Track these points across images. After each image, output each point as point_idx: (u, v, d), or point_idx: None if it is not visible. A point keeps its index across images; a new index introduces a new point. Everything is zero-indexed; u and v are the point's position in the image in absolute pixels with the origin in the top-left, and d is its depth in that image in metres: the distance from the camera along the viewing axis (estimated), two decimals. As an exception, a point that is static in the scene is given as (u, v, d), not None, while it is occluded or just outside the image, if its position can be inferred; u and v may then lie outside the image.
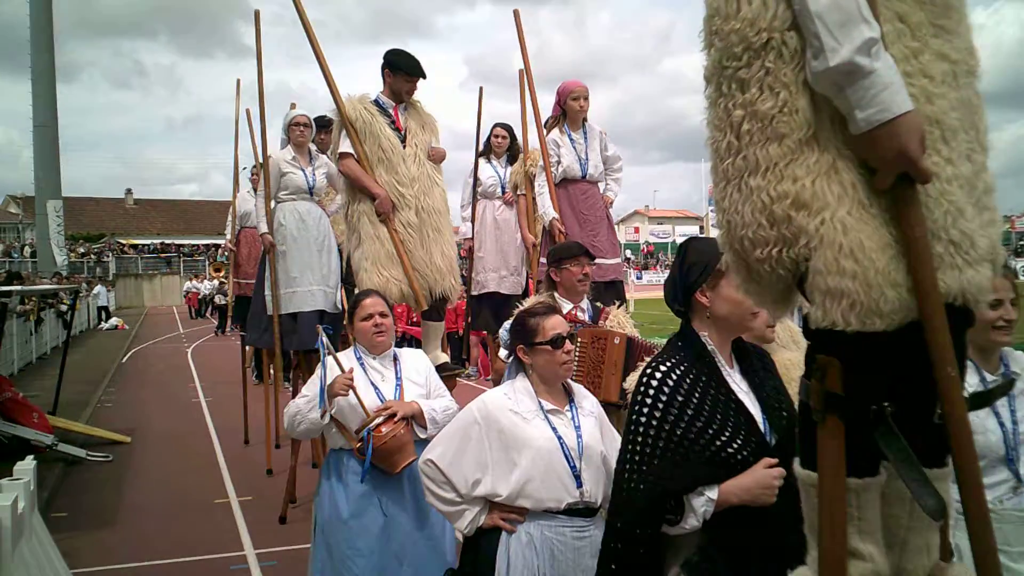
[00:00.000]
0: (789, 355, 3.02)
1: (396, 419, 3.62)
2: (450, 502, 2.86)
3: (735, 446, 2.18)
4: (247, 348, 9.90)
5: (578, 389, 3.05)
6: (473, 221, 7.24)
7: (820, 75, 1.51)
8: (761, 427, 2.24)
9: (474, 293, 7.21)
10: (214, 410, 11.85)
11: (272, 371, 7.50)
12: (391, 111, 5.39)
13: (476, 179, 7.24)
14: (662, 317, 24.70)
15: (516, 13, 6.16)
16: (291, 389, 9.52)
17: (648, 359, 2.56)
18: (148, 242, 54.95)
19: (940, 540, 1.74)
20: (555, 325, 2.92)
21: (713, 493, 2.18)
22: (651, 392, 2.25)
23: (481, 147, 7.41)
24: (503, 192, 7.17)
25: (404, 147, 5.34)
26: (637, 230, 71.99)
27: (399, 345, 4.18)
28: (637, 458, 2.24)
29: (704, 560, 2.19)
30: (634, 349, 3.95)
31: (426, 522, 3.66)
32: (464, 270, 7.03)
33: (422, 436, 3.64)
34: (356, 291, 4.80)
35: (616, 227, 6.53)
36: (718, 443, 2.18)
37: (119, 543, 5.98)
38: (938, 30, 1.59)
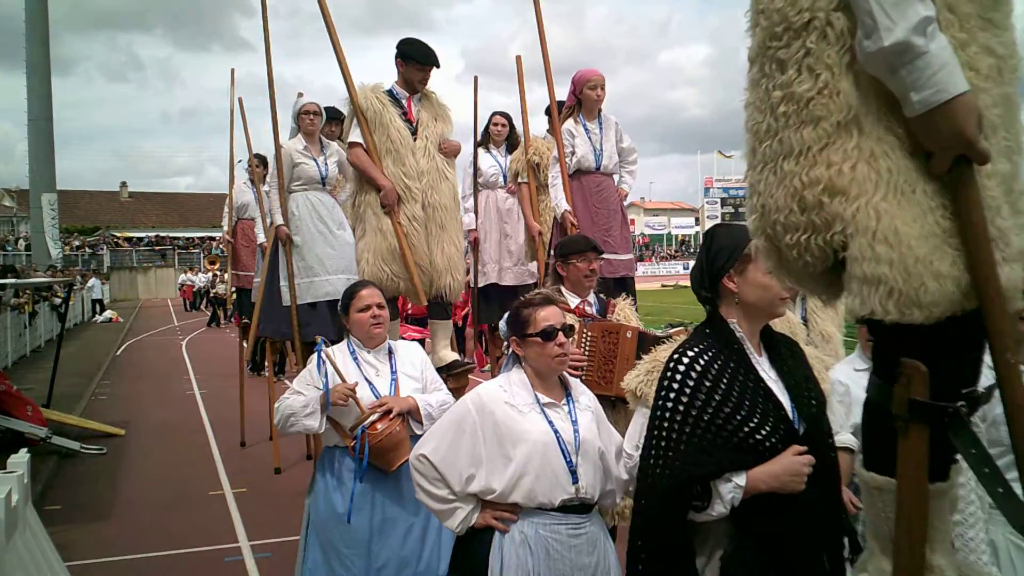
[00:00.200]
0: None
1: (391, 416, 3.53)
2: (442, 499, 2.76)
3: (763, 433, 2.16)
4: (245, 341, 9.91)
5: (575, 383, 2.98)
6: (476, 212, 7.07)
7: (873, 56, 1.46)
8: (790, 415, 2.21)
9: (480, 285, 7.05)
10: (208, 402, 11.85)
11: (267, 364, 7.54)
12: (404, 102, 5.31)
13: (476, 169, 7.09)
14: (656, 308, 24.77)
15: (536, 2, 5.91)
16: (286, 383, 9.57)
17: (663, 348, 2.55)
18: (143, 235, 54.84)
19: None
20: (547, 316, 2.83)
21: (741, 479, 2.16)
22: (678, 378, 2.23)
23: (479, 137, 7.25)
24: (505, 181, 7.02)
25: (415, 139, 5.24)
26: (633, 222, 71.21)
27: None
28: (663, 444, 2.22)
29: (739, 549, 2.16)
30: (645, 342, 3.84)
31: (423, 521, 3.57)
32: (468, 261, 6.89)
33: (418, 432, 3.51)
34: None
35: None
36: (746, 429, 2.15)
37: (113, 536, 5.99)
38: (986, 23, 1.54)
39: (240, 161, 9.47)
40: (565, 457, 2.70)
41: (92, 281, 32.84)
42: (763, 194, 1.64)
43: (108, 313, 30.87)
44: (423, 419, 3.58)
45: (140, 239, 53.39)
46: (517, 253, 6.88)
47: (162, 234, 55.50)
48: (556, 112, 5.79)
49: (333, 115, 6.75)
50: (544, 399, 2.80)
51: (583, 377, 3.67)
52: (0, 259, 38.06)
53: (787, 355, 2.36)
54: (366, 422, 3.51)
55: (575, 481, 2.70)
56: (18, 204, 52.25)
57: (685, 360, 2.24)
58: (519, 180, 6.73)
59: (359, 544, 3.49)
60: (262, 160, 8.73)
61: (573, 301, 4.02)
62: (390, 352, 3.82)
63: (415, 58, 5.27)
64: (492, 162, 7.05)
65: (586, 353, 3.85)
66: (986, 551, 2.81)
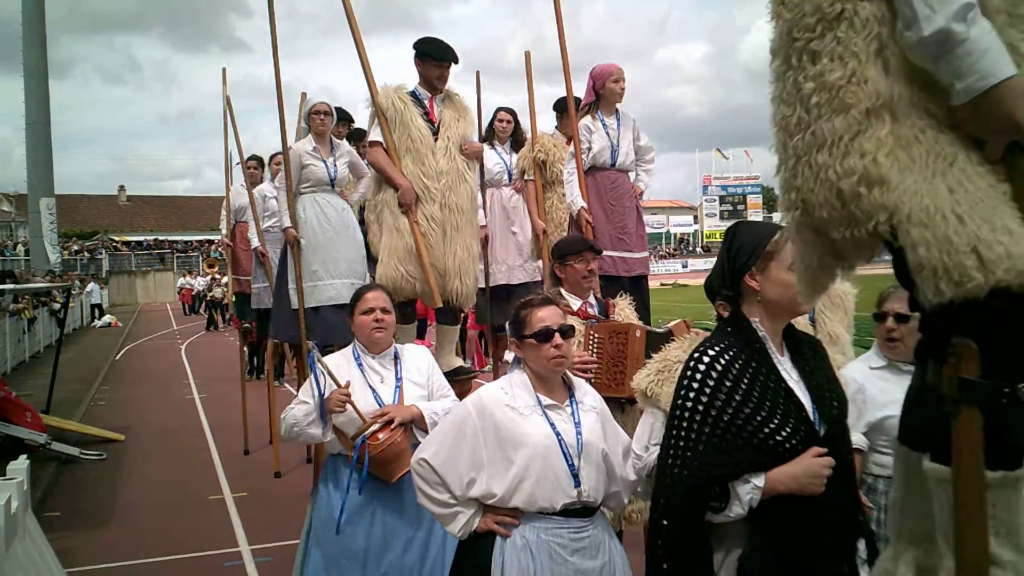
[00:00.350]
0: None
1: (393, 426, 3.44)
2: (443, 504, 2.72)
3: (784, 434, 2.13)
4: (245, 346, 9.89)
5: (579, 384, 2.92)
6: (484, 210, 6.79)
7: (914, 46, 1.44)
8: (811, 416, 2.19)
9: (491, 285, 6.83)
10: (208, 407, 11.85)
11: (267, 368, 7.49)
12: (426, 102, 5.24)
13: (481, 167, 6.72)
14: (655, 307, 24.63)
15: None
16: (285, 387, 9.57)
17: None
18: (141, 239, 54.84)
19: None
20: (544, 317, 2.77)
21: (760, 480, 2.13)
22: (698, 376, 2.19)
23: (483, 133, 6.96)
24: (510, 179, 6.84)
25: (436, 140, 5.17)
26: (632, 221, 71.79)
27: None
28: (682, 444, 2.19)
29: (756, 550, 2.15)
30: (654, 341, 3.74)
31: (425, 533, 3.50)
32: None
33: (422, 441, 3.32)
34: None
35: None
36: (766, 430, 2.12)
37: (113, 541, 5.98)
38: (1015, 20, 1.49)
39: (238, 164, 9.40)
40: (567, 460, 2.65)
41: (91, 286, 32.83)
42: (801, 189, 1.60)
43: (107, 318, 30.88)
44: (428, 428, 3.45)
45: (139, 243, 53.43)
46: (525, 249, 6.72)
47: (161, 238, 55.51)
48: (572, 107, 5.67)
49: (341, 116, 6.69)
50: (546, 401, 2.75)
51: (592, 380, 3.60)
52: (-1, 264, 38.03)
53: (809, 355, 2.33)
54: (366, 432, 3.43)
55: (577, 484, 2.65)
56: (16, 209, 52.23)
57: (706, 359, 2.21)
58: (525, 177, 6.59)
59: (359, 555, 3.44)
60: (259, 161, 8.68)
61: (575, 303, 3.94)
62: (396, 358, 3.73)
63: (431, 55, 5.20)
64: (497, 159, 6.86)
65: (594, 355, 3.79)
66: None
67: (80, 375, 14.67)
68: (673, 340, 3.81)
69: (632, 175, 5.95)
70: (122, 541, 5.97)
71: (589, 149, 5.67)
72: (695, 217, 73.01)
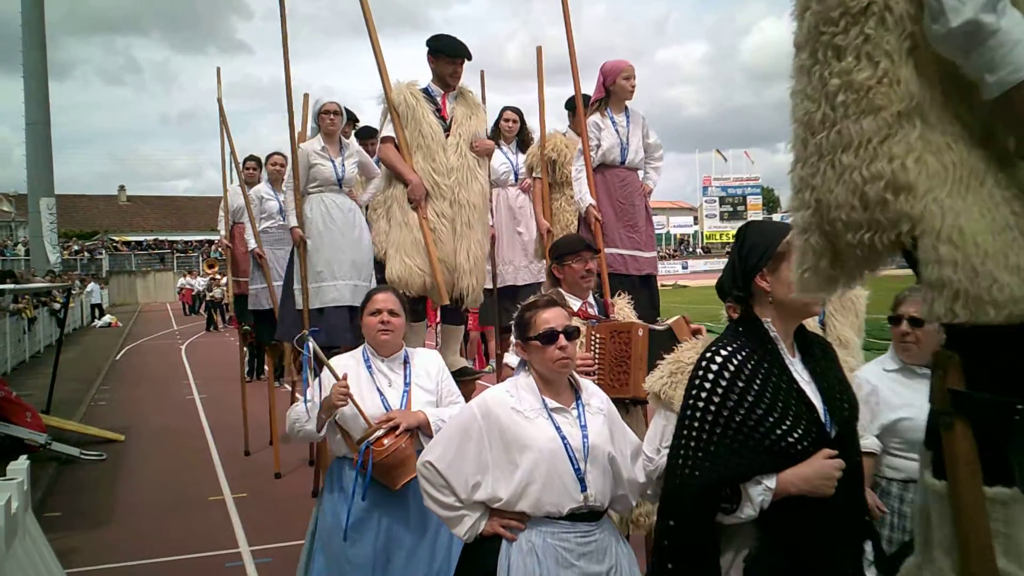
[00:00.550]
0: None
1: (398, 431, 3.38)
2: (449, 507, 2.71)
3: (796, 436, 2.12)
4: (244, 346, 9.87)
5: (586, 385, 2.89)
6: (491, 210, 6.62)
7: (942, 39, 1.37)
8: (822, 417, 2.18)
9: (498, 286, 6.76)
10: (208, 407, 11.84)
11: (267, 369, 7.45)
12: (439, 99, 5.22)
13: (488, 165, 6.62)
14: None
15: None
16: (286, 388, 9.57)
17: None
18: (141, 239, 54.83)
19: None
20: (548, 319, 2.75)
21: (771, 482, 2.13)
22: (710, 377, 2.18)
23: (488, 133, 6.71)
24: (516, 179, 6.80)
25: (447, 136, 5.14)
26: (632, 223, 71.73)
27: None
28: (693, 444, 2.18)
29: (764, 551, 2.14)
30: (657, 339, 3.74)
31: (430, 540, 3.46)
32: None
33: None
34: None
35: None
36: (778, 432, 2.12)
37: (114, 542, 5.97)
38: None
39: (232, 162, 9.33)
40: (573, 464, 2.63)
41: (91, 286, 32.83)
42: (819, 188, 1.54)
43: (107, 318, 30.87)
44: (433, 434, 3.37)
45: (139, 243, 53.41)
46: (531, 250, 6.65)
47: (161, 238, 55.50)
48: (581, 103, 5.57)
49: (352, 117, 6.64)
50: (552, 404, 2.73)
51: (595, 381, 3.54)
52: (-1, 264, 38.03)
53: (820, 356, 2.32)
54: (371, 438, 3.38)
55: (583, 489, 2.63)
56: (16, 209, 52.27)
57: (718, 359, 2.20)
58: (533, 175, 6.50)
59: (363, 562, 3.40)
60: (257, 162, 8.64)
61: (575, 304, 3.90)
62: (405, 361, 3.67)
63: (444, 51, 5.18)
64: (503, 159, 6.80)
65: (596, 356, 3.76)
66: None
67: (80, 375, 14.66)
68: (674, 337, 3.82)
69: (640, 173, 5.90)
70: (122, 541, 5.97)
71: (598, 146, 5.61)
72: (695, 218, 72.97)
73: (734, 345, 2.22)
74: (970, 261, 1.37)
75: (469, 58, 5.23)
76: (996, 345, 1.42)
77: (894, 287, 3.18)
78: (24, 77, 31.65)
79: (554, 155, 6.18)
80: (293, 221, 5.94)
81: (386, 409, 3.49)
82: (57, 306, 20.23)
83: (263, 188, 8.03)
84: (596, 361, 3.76)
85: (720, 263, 57.74)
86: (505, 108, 6.99)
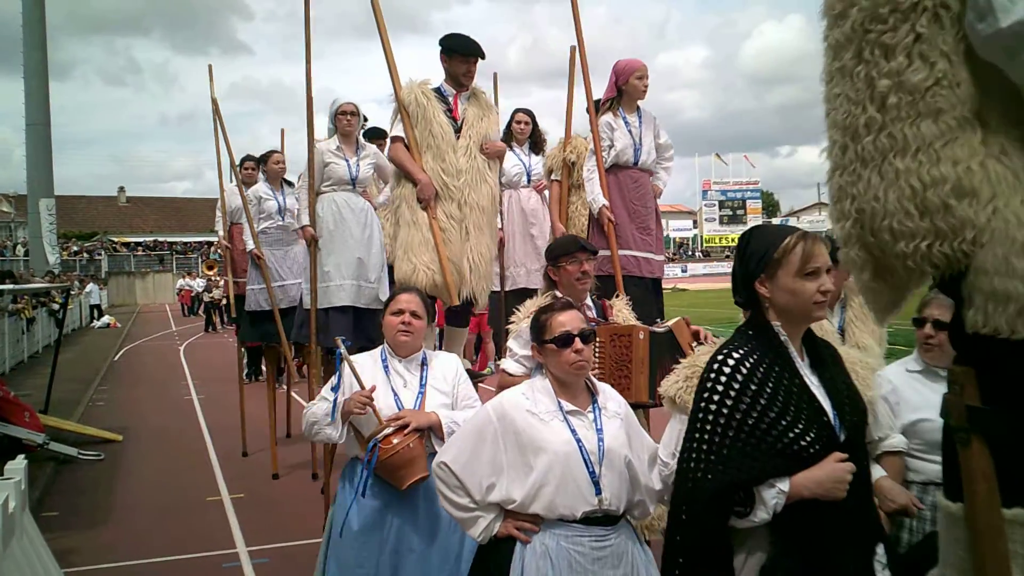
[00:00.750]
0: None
1: (408, 430, 3.33)
2: (463, 508, 2.71)
3: (808, 439, 2.12)
4: (242, 348, 9.84)
5: (604, 389, 2.89)
6: (501, 213, 6.54)
7: (988, 39, 1.29)
8: (832, 421, 2.18)
9: (507, 288, 6.67)
10: (206, 408, 11.84)
11: (267, 370, 7.41)
12: (450, 99, 5.17)
13: (499, 168, 6.36)
14: (655, 313, 24.66)
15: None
16: (284, 389, 9.55)
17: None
18: (141, 240, 54.81)
19: None
20: (564, 322, 2.76)
21: (785, 485, 2.12)
22: (723, 380, 2.17)
23: (501, 135, 6.60)
24: (528, 181, 6.72)
25: (458, 137, 5.09)
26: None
27: None
28: (705, 447, 2.17)
29: (781, 556, 2.14)
30: (658, 342, 3.72)
31: (441, 543, 3.40)
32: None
33: (439, 450, 3.20)
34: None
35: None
36: (791, 435, 2.11)
37: (111, 542, 5.97)
38: None
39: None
40: (588, 467, 2.63)
41: (90, 286, 32.82)
42: (862, 197, 1.45)
43: (106, 318, 30.86)
44: (445, 437, 3.34)
45: (138, 244, 53.38)
46: (544, 253, 6.59)
47: (160, 239, 55.47)
48: (592, 103, 5.55)
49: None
50: (568, 407, 2.73)
51: None
52: (-2, 265, 38.01)
53: (829, 360, 2.33)
54: (380, 435, 3.34)
55: (598, 492, 2.63)
56: (16, 209, 52.31)
57: (731, 362, 2.19)
58: (552, 177, 6.45)
59: (370, 563, 3.35)
60: (256, 162, 8.60)
61: None
62: (423, 363, 3.63)
63: (457, 50, 5.13)
64: (515, 161, 6.71)
65: (596, 359, 3.72)
66: None
67: (79, 375, 14.65)
68: (674, 339, 3.81)
69: (652, 175, 5.85)
70: (120, 542, 5.96)
71: (611, 146, 5.56)
72: (694, 222, 72.97)
73: (745, 348, 2.22)
74: None
75: (483, 57, 5.18)
76: (1017, 359, 1.36)
77: (919, 292, 3.17)
78: (24, 77, 31.68)
79: (573, 156, 6.12)
80: (305, 220, 5.91)
81: (399, 409, 3.46)
82: (56, 306, 20.21)
83: (261, 188, 7.98)
84: (596, 365, 3.74)
85: (719, 267, 57.84)
86: (517, 110, 6.94)
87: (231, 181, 8.87)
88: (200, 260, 46.43)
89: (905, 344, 3.52)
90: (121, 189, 66.45)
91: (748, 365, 2.18)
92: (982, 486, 1.41)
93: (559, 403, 2.73)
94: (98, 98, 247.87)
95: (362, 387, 3.43)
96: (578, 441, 2.65)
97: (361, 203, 6.04)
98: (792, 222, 48.06)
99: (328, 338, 5.75)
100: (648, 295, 5.51)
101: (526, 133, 6.82)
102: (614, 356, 3.73)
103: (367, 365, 3.57)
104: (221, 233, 8.93)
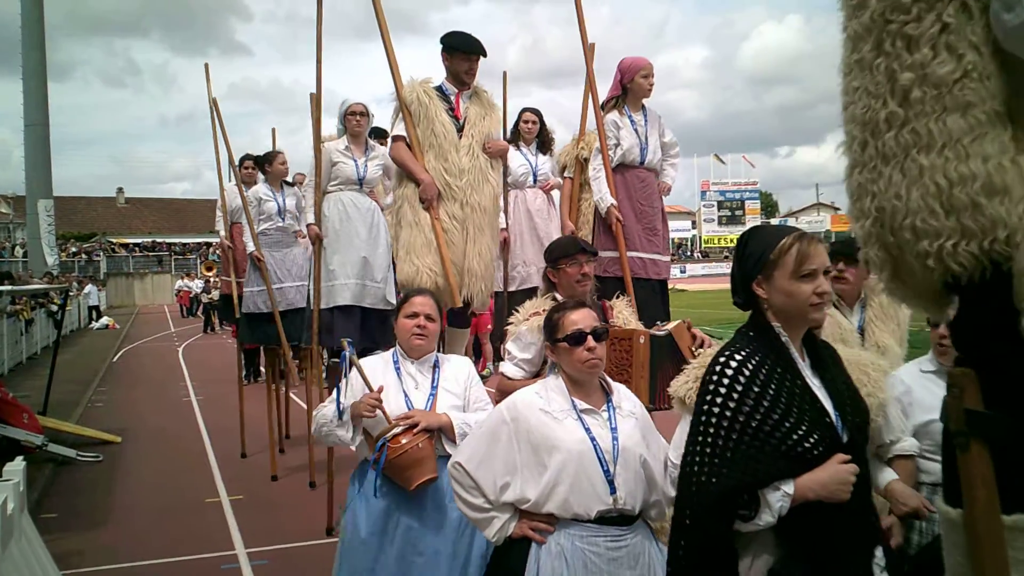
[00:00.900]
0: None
1: (417, 430, 3.30)
2: (478, 508, 2.71)
3: (811, 441, 2.11)
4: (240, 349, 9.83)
5: (618, 388, 2.88)
6: (506, 212, 6.44)
7: (1015, 30, 1.22)
8: (834, 422, 2.18)
9: (511, 289, 6.54)
10: (205, 409, 11.82)
11: (267, 371, 7.38)
12: (452, 98, 5.15)
13: (506, 168, 6.31)
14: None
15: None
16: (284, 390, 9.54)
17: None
18: (139, 241, 54.78)
19: None
20: (576, 320, 2.76)
21: (789, 487, 2.11)
22: (725, 382, 2.17)
23: (508, 134, 6.65)
24: (535, 181, 6.63)
25: (460, 136, 5.06)
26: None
27: None
28: (708, 450, 2.16)
29: (788, 559, 2.13)
30: (657, 345, 3.69)
31: (449, 548, 3.34)
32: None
33: (450, 452, 3.23)
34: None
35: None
36: (795, 437, 2.11)
37: (110, 544, 5.96)
38: None
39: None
40: (602, 466, 2.62)
41: (89, 287, 32.79)
42: (882, 194, 1.40)
43: (105, 319, 30.82)
44: (456, 438, 3.32)
45: (137, 245, 53.35)
46: None
47: (159, 240, 55.43)
48: (597, 102, 5.52)
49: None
50: (582, 405, 2.72)
51: None
52: (-4, 266, 37.99)
53: (829, 361, 2.32)
54: (388, 435, 3.31)
55: (613, 492, 2.61)
56: (14, 210, 52.27)
57: (733, 364, 2.19)
58: (565, 174, 6.41)
59: (380, 566, 3.32)
60: (255, 161, 8.57)
61: None
62: (435, 366, 3.60)
63: (458, 48, 5.11)
64: (522, 160, 6.63)
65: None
66: None
67: (77, 377, 14.63)
68: (675, 343, 3.79)
69: (658, 174, 5.81)
70: (118, 543, 5.95)
71: (617, 145, 5.51)
72: (693, 222, 73.02)
73: (747, 350, 2.21)
74: None
75: (484, 55, 5.17)
76: (1019, 362, 1.32)
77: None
78: (23, 78, 31.64)
79: (586, 153, 6.05)
80: (310, 218, 5.89)
81: (408, 410, 3.43)
82: (54, 308, 20.21)
83: (261, 188, 7.94)
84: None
85: (718, 268, 57.82)
86: (525, 109, 6.89)
87: (230, 180, 8.85)
88: (199, 261, 46.40)
89: (926, 348, 3.51)
90: (120, 190, 66.57)
91: (750, 367, 2.17)
92: (981, 492, 1.38)
93: (573, 402, 2.73)
94: (97, 99, 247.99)
95: (370, 389, 3.41)
96: (592, 440, 2.64)
97: (367, 203, 6.04)
98: (791, 222, 48.09)
99: (334, 339, 5.78)
100: (654, 297, 5.48)
101: (534, 132, 6.77)
102: (615, 360, 3.69)
103: (378, 367, 3.55)
104: (223, 233, 8.91)
